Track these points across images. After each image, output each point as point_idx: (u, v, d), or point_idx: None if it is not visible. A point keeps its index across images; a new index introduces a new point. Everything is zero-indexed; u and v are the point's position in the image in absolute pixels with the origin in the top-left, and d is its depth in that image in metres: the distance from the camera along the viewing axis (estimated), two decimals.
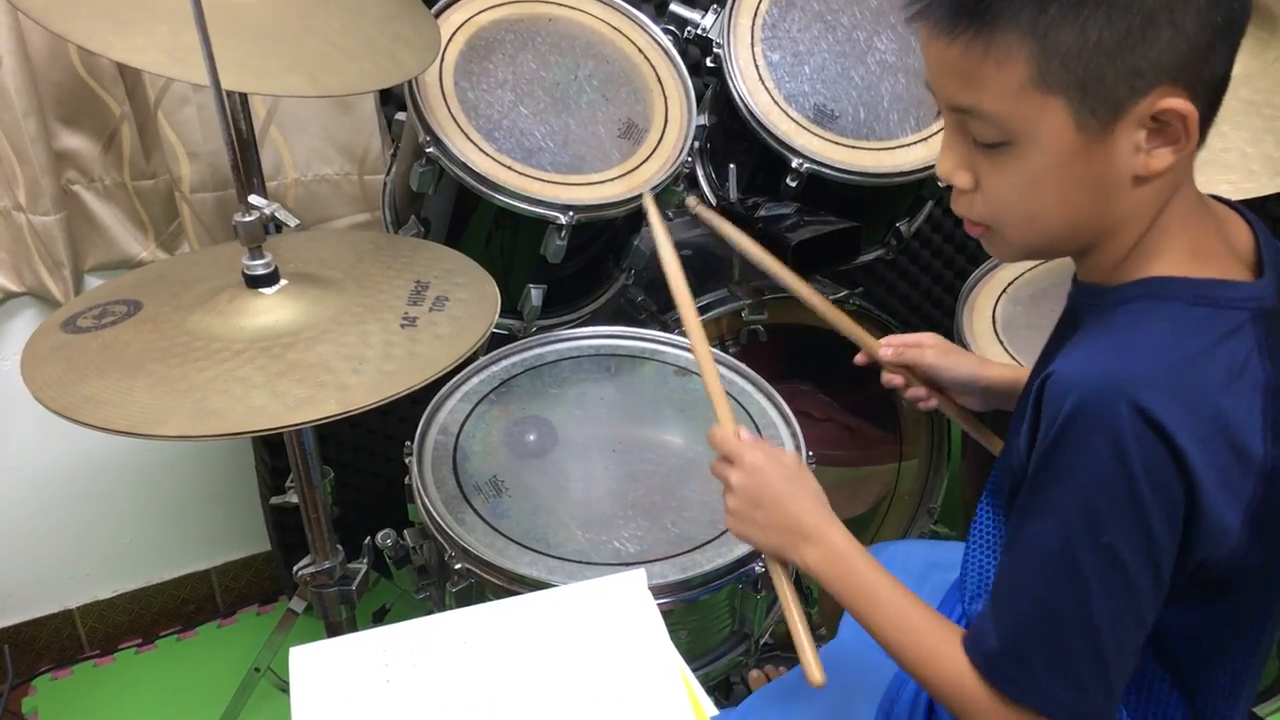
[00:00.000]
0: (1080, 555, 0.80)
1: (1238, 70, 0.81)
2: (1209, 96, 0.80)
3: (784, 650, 1.67)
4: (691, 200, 1.52)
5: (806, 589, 1.71)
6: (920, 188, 1.73)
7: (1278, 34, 1.61)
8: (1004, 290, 1.72)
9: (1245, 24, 0.80)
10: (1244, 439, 0.80)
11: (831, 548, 0.98)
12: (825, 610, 1.58)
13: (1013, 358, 1.59)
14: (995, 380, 1.24)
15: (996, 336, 1.64)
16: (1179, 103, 0.77)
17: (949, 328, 1.78)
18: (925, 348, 1.27)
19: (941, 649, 0.90)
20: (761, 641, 1.34)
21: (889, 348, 1.28)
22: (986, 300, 1.71)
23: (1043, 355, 1.01)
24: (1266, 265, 0.87)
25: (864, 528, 1.94)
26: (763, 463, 1.02)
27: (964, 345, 1.62)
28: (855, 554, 0.97)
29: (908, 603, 0.94)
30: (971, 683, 0.87)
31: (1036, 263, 1.78)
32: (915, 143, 1.66)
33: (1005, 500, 0.96)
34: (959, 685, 0.88)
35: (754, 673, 1.56)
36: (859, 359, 1.32)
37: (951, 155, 0.87)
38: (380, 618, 1.98)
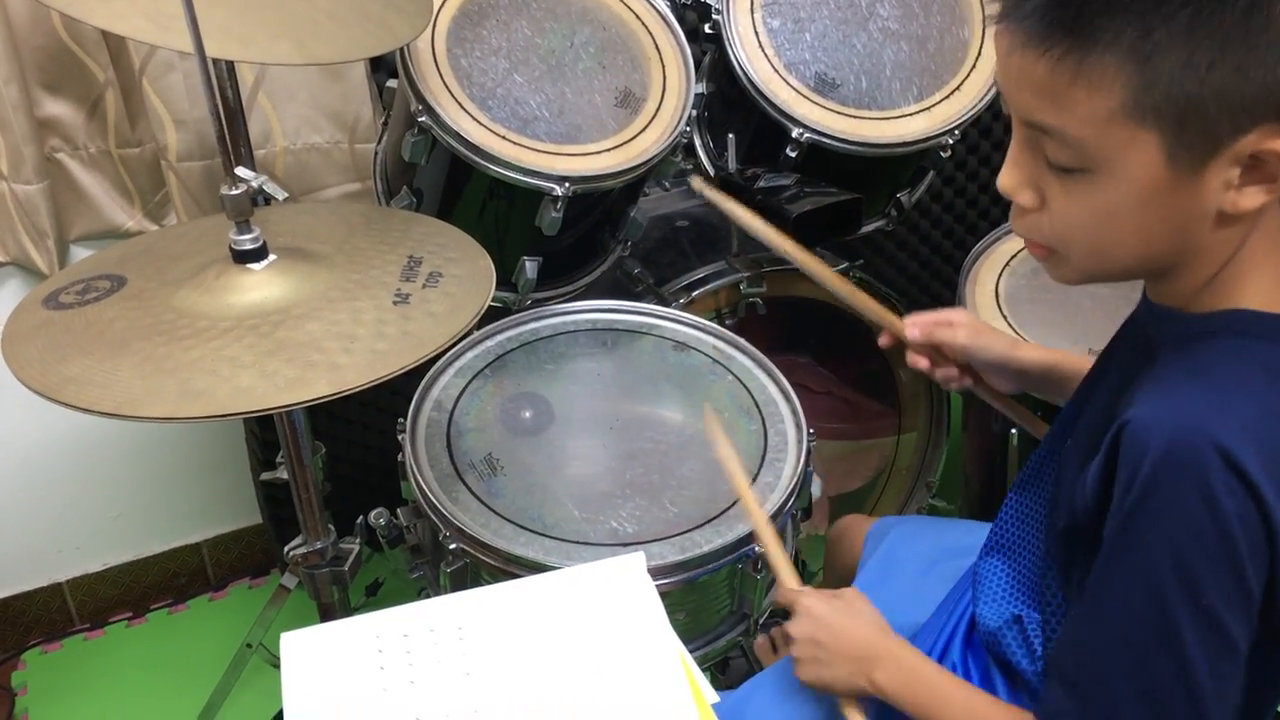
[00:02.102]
0: (1178, 618, 0.74)
1: None
2: None
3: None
4: (697, 181, 1.49)
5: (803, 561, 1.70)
6: (921, 158, 1.70)
7: None
8: (1007, 264, 1.69)
9: None
10: None
11: (899, 664, 0.97)
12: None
13: (1016, 332, 1.56)
14: (1029, 363, 1.17)
15: (1000, 310, 1.62)
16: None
17: (949, 299, 1.76)
18: (956, 326, 1.20)
19: None
20: (761, 621, 1.32)
21: (915, 328, 1.22)
22: (989, 273, 1.68)
23: (1101, 369, 0.96)
24: None
25: (862, 501, 1.93)
26: (815, 603, 1.02)
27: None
28: (921, 664, 0.98)
29: (979, 699, 0.95)
30: None
31: None
32: (917, 112, 1.63)
33: (1060, 535, 0.90)
34: None
35: (760, 638, 1.54)
36: (883, 340, 1.28)
37: (1017, 171, 0.81)
38: (373, 592, 1.97)
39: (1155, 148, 0.73)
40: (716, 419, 1.24)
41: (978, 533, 1.11)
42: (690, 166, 1.78)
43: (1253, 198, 0.74)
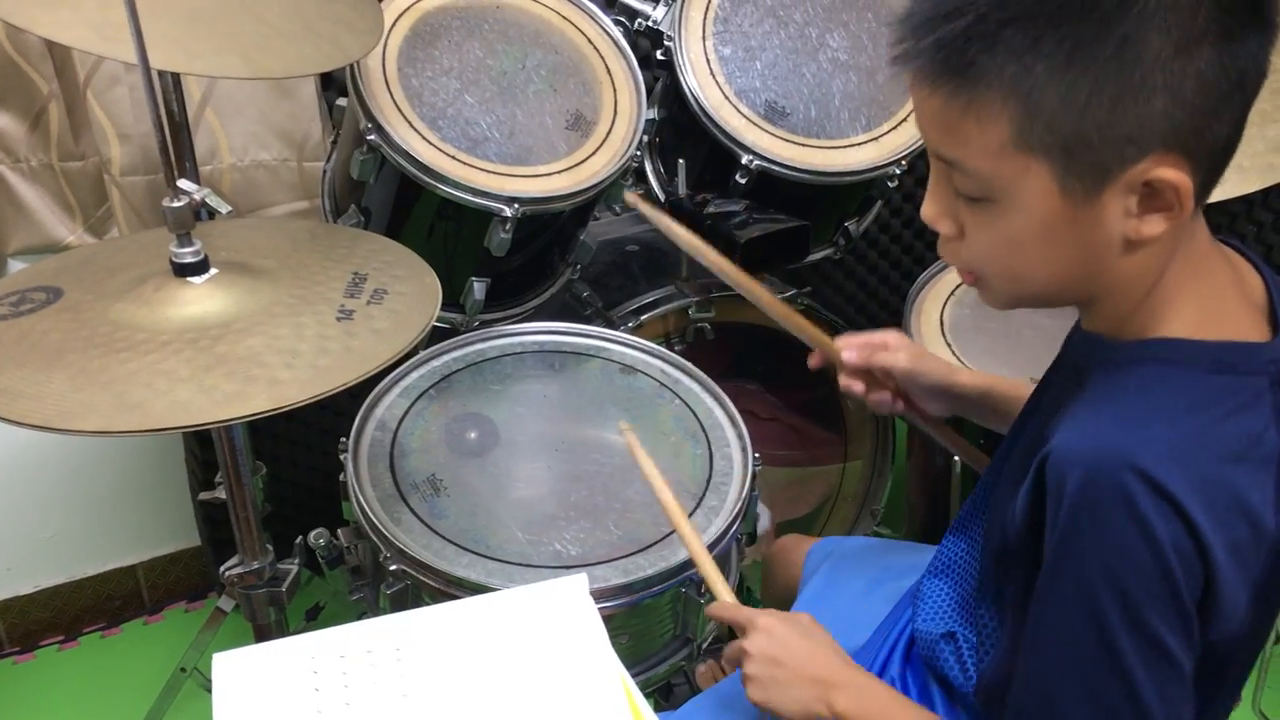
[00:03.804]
0: (1120, 644, 0.75)
1: None
2: (1212, 160, 0.75)
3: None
4: (630, 196, 1.48)
5: (748, 588, 1.70)
6: (869, 187, 1.72)
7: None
8: (951, 293, 1.71)
9: (1259, 83, 0.75)
10: (1258, 513, 0.76)
11: (860, 691, 0.96)
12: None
13: (960, 360, 1.58)
14: (966, 387, 1.18)
15: (944, 339, 1.63)
16: (1171, 173, 0.72)
17: (895, 328, 1.77)
18: (895, 350, 1.19)
19: None
20: (704, 646, 1.31)
21: (852, 350, 1.20)
22: (934, 303, 1.70)
23: (1037, 396, 0.97)
24: None
25: (808, 528, 1.93)
26: (775, 623, 1.00)
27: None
28: (882, 691, 0.97)
29: None
30: None
31: None
32: (865, 142, 1.65)
33: (993, 558, 0.91)
34: None
35: (701, 667, 1.53)
36: (813, 361, 1.26)
37: (935, 202, 0.84)
38: (313, 617, 1.94)
39: (1047, 178, 0.75)
40: (633, 434, 1.20)
41: (920, 554, 1.12)
42: (641, 191, 1.78)
43: (1154, 225, 0.75)
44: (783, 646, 0.98)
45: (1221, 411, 0.76)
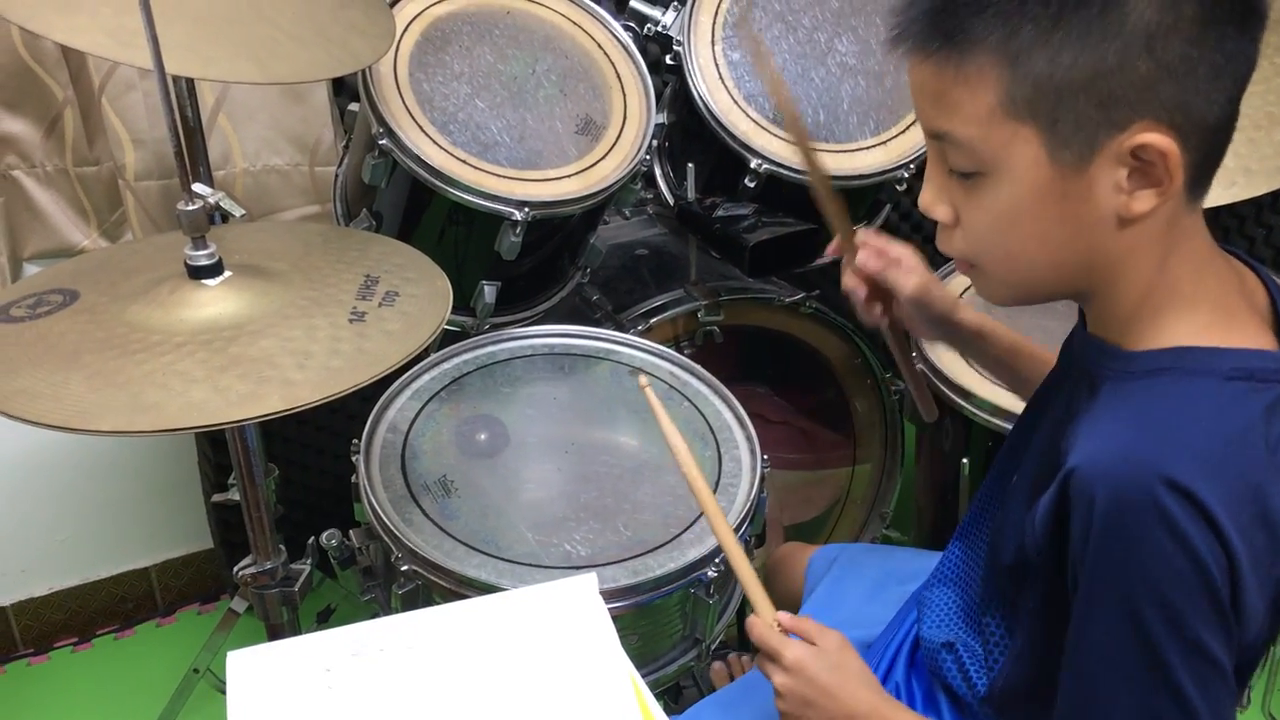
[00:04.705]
0: (1167, 654, 0.75)
1: None
2: (1202, 141, 0.76)
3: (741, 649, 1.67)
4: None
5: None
6: (878, 191, 1.72)
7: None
8: (959, 296, 1.71)
9: (1248, 72, 0.76)
10: (1277, 521, 0.75)
11: None
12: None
13: (968, 364, 1.58)
14: (963, 323, 1.16)
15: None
16: (1158, 139, 0.73)
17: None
18: (908, 272, 1.13)
19: None
20: (712, 647, 1.32)
21: (868, 251, 1.14)
22: None
23: (1043, 400, 0.96)
24: None
25: (817, 531, 1.94)
26: (804, 657, 0.96)
27: (919, 350, 1.61)
28: None
29: None
30: None
31: None
32: (874, 146, 1.65)
33: (1008, 570, 0.90)
34: None
35: (716, 665, 1.53)
36: (830, 249, 1.20)
37: (931, 187, 0.84)
38: (324, 619, 1.95)
39: (1037, 144, 0.76)
40: (653, 392, 1.09)
41: (923, 559, 1.12)
42: (650, 195, 1.79)
43: (1144, 201, 0.76)
44: (811, 684, 0.95)
45: (1243, 420, 0.76)
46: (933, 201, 0.85)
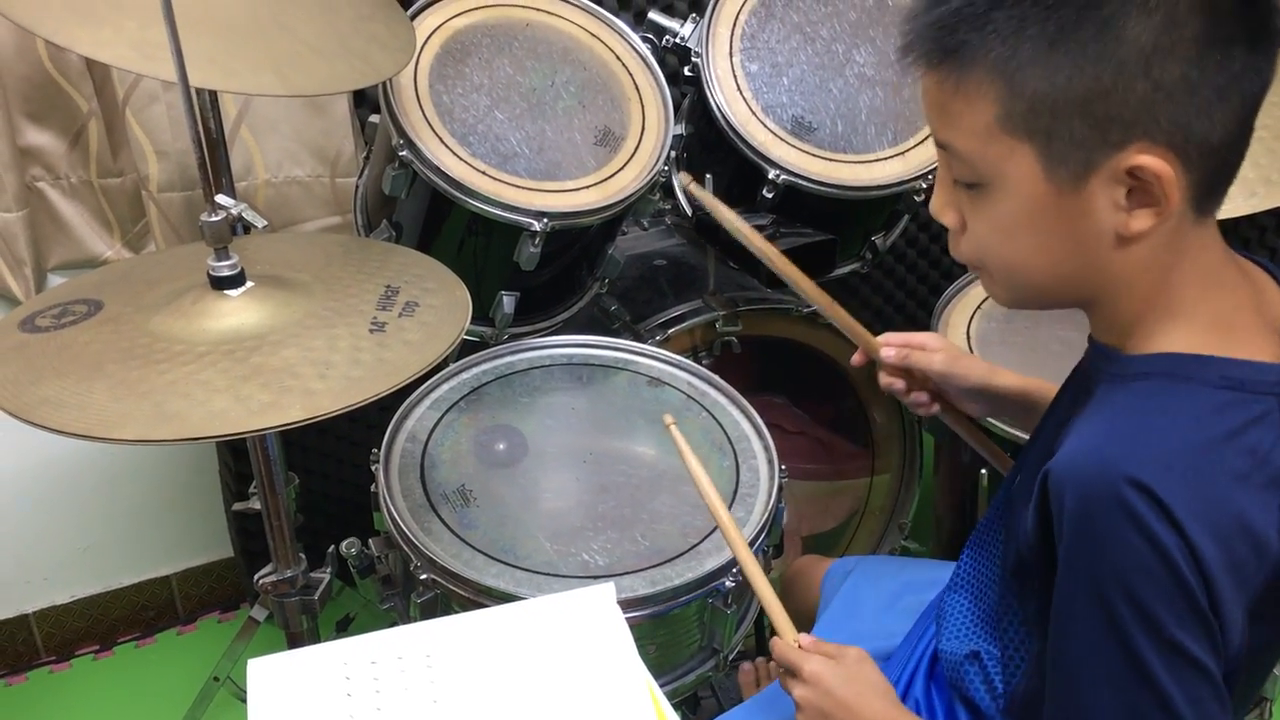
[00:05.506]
0: (1141, 649, 0.74)
1: None
2: (1206, 160, 0.75)
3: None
4: (683, 177, 1.48)
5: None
6: (896, 202, 1.72)
7: None
8: (979, 306, 1.71)
9: (1260, 91, 0.75)
10: (1261, 534, 0.75)
11: None
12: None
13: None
14: (1005, 389, 1.18)
15: (971, 353, 1.63)
16: (1152, 161, 0.73)
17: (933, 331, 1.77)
18: (932, 352, 1.19)
19: None
20: (730, 658, 1.32)
21: (891, 348, 1.20)
22: (961, 316, 1.70)
23: (1052, 409, 0.97)
24: None
25: (835, 542, 1.94)
26: (822, 670, 0.97)
27: None
28: None
29: None
30: None
31: None
32: (892, 157, 1.66)
33: (1013, 572, 0.91)
34: None
35: (745, 665, 1.52)
36: (856, 358, 1.26)
37: (941, 193, 0.86)
38: (344, 627, 1.95)
39: (1033, 161, 0.77)
40: (678, 431, 1.15)
41: (939, 569, 1.11)
42: (669, 206, 1.80)
43: (1143, 220, 0.76)
44: (829, 697, 0.96)
45: (1226, 429, 0.76)
46: (941, 208, 0.87)
